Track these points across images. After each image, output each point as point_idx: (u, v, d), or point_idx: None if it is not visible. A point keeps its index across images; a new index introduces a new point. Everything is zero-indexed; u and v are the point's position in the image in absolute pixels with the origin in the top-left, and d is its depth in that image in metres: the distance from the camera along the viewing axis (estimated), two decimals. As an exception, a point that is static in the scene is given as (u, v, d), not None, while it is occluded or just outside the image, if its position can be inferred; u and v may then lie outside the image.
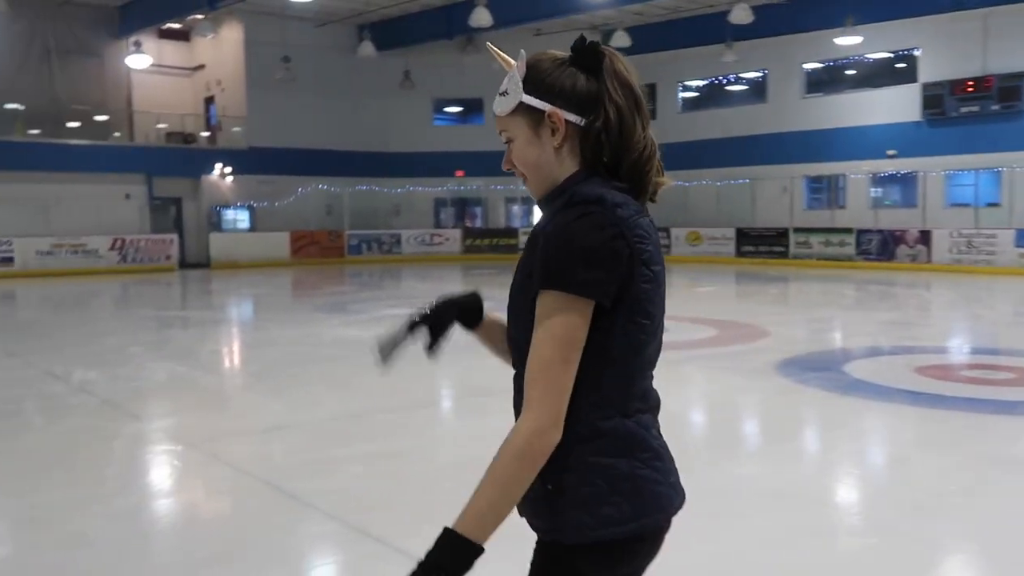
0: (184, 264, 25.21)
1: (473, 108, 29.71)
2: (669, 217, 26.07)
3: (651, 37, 25.55)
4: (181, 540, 4.22)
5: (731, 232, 24.71)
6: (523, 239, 24.54)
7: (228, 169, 26.59)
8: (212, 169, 26.54)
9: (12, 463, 5.38)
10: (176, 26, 27.38)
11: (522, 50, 1.59)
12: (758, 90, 26.44)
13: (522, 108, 1.54)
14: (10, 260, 22.08)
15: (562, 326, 1.42)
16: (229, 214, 27.14)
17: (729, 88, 27.37)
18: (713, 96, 27.88)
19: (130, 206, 25.12)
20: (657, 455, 1.55)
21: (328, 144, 27.39)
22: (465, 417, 6.80)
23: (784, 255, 23.39)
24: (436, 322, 1.76)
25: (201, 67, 28.56)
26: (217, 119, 28.19)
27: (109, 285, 19.99)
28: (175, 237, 25.11)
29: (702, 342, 9.88)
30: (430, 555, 1.42)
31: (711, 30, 24.20)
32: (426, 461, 5.39)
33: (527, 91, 1.53)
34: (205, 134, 28.42)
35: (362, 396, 7.35)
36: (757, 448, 6.06)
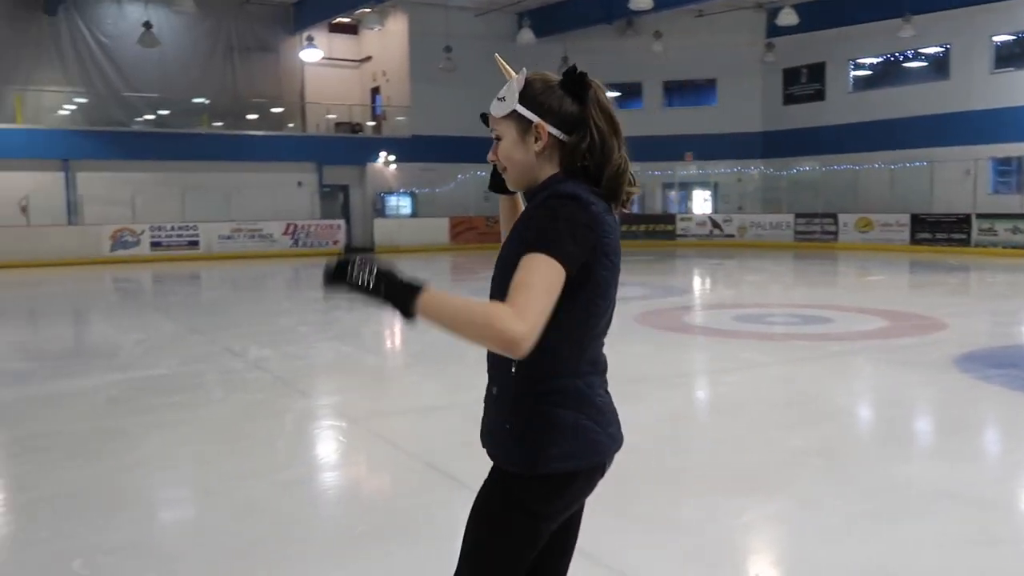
0: (349, 248, 25.87)
1: (632, 92, 29.34)
2: (837, 203, 24.88)
3: (820, 14, 24.41)
4: (344, 513, 4.41)
5: (905, 218, 23.23)
6: (681, 225, 24.30)
7: (392, 157, 27.53)
8: (377, 157, 27.55)
9: (195, 432, 5.78)
10: (345, 20, 28.53)
11: (523, 68, 1.92)
12: (939, 66, 24.68)
13: (514, 115, 1.88)
14: (196, 244, 23.76)
15: (548, 274, 1.66)
16: (392, 200, 28.10)
17: (906, 65, 25.70)
18: (888, 74, 26.30)
19: (302, 193, 26.47)
20: (599, 410, 1.89)
21: (487, 131, 27.71)
22: (619, 404, 6.75)
23: (965, 243, 21.80)
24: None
25: (368, 59, 29.66)
26: (382, 109, 29.21)
27: (281, 268, 21.15)
28: (342, 222, 26.25)
29: (871, 333, 9.37)
30: (392, 283, 1.68)
31: (886, 4, 22.85)
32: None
33: (521, 102, 1.85)
34: (371, 123, 29.53)
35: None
36: (930, 447, 5.68)
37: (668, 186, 29.67)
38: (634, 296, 13.89)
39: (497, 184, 2.07)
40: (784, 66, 27.53)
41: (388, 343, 10.57)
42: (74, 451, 5.26)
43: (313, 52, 26.19)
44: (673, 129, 27.95)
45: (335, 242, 25.51)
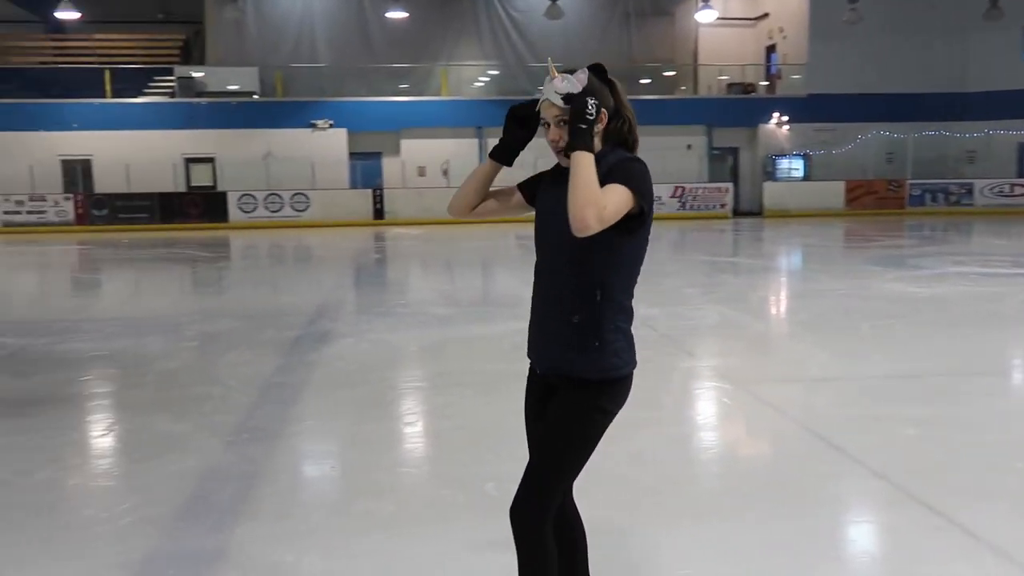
0: (737, 212, 25.96)
1: (1078, 35, 25.13)
2: None
3: None
4: (726, 472, 4.48)
5: None
6: None
7: (785, 118, 26.53)
8: (769, 118, 26.73)
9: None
10: (743, -24, 27.89)
11: (585, 67, 2.36)
12: None
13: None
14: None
15: (626, 198, 2.20)
16: (783, 163, 27.12)
17: None
18: None
19: (691, 156, 26.59)
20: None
21: (893, 87, 25.63)
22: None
23: None
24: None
25: (764, 16, 28.73)
26: (777, 67, 28.19)
27: (668, 230, 21.52)
28: (730, 186, 25.96)
29: None
30: (592, 128, 2.26)
31: None
32: (987, 434, 4.89)
33: (587, 95, 2.26)
34: (764, 83, 28.65)
35: (916, 357, 6.91)
36: None
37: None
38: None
39: (503, 154, 2.48)
40: None
41: (774, 309, 10.37)
42: (487, 389, 5.93)
43: (708, 13, 25.95)
44: None
45: (722, 205, 25.33)
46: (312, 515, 3.86)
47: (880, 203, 25.46)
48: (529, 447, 2.47)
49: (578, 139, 2.19)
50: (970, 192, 25.29)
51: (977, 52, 25.77)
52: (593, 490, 4.09)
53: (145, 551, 3.41)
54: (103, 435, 5.24)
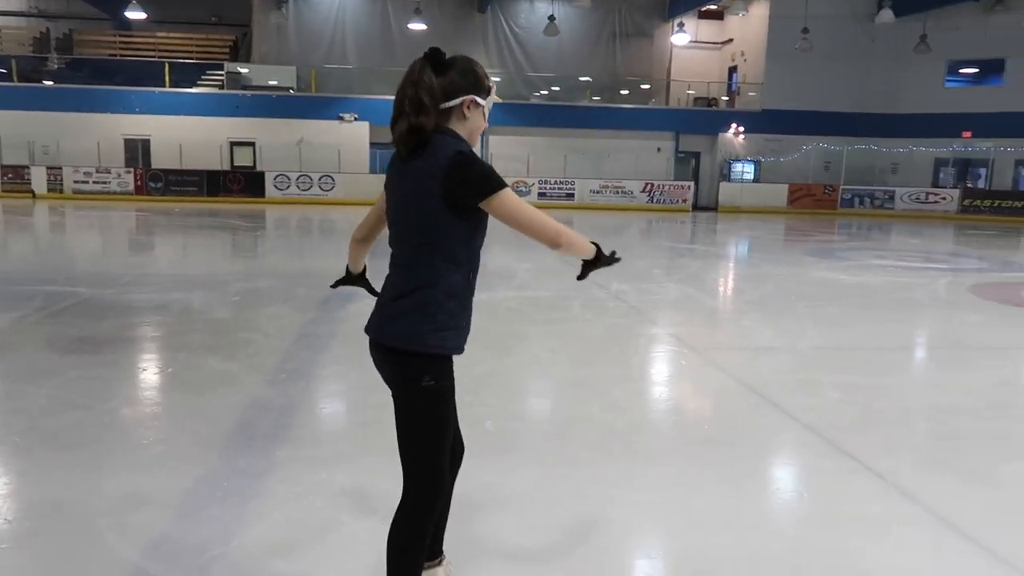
0: (696, 207, 26.02)
1: (992, 69, 25.14)
2: None
3: None
4: (682, 420, 4.58)
5: None
6: (1032, 202, 20.30)
7: (741, 128, 26.52)
8: (728, 128, 26.71)
9: (571, 342, 6.30)
10: (713, 7, 27.70)
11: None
12: None
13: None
14: (572, 195, 25.02)
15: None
16: (738, 167, 27.15)
17: None
18: None
19: (660, 158, 26.58)
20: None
21: (834, 106, 25.65)
22: (943, 366, 6.11)
23: None
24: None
25: (729, 41, 28.61)
26: (737, 85, 28.13)
27: (638, 220, 21.58)
28: (692, 184, 25.96)
29: None
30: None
31: None
32: (899, 398, 5.01)
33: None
34: (725, 98, 28.59)
35: (844, 333, 7.02)
36: None
37: (1021, 163, 25.19)
38: (969, 268, 12.23)
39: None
40: None
41: (725, 289, 10.45)
42: (490, 345, 5.99)
43: (682, 36, 25.87)
44: (1034, 105, 23.61)
45: (684, 200, 25.37)
46: (339, 442, 3.94)
47: (817, 204, 25.54)
48: None
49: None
50: (892, 198, 25.41)
51: (907, 80, 25.77)
52: (574, 430, 4.20)
53: (205, 467, 3.49)
54: (164, 371, 5.29)
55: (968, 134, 25.08)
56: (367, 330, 2.10)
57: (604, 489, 3.39)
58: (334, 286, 2.54)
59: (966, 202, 24.64)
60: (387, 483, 3.39)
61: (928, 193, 25.30)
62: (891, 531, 3.07)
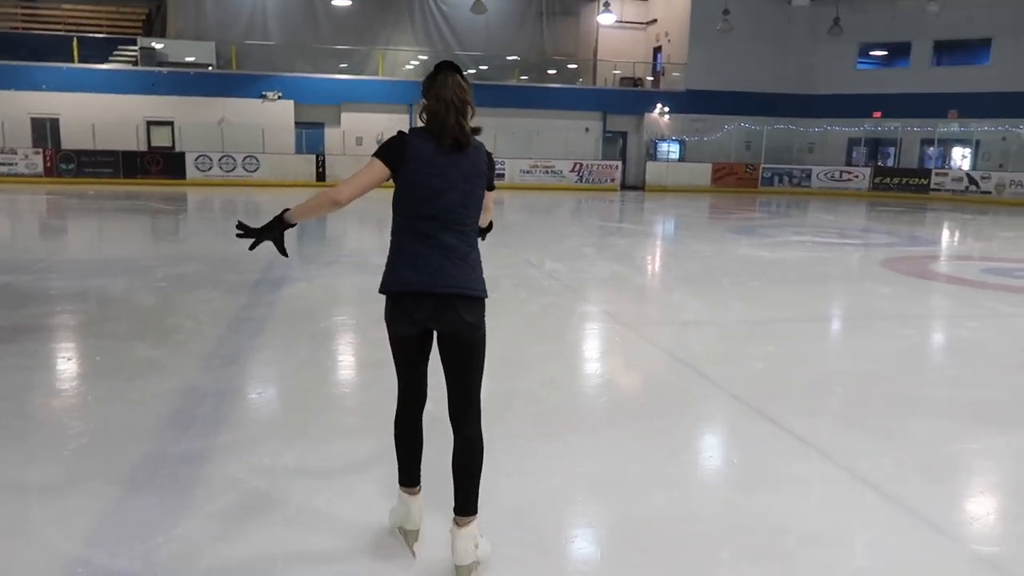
0: (624, 186, 26.42)
1: (899, 52, 26.30)
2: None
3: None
4: (616, 393, 4.72)
5: None
6: (935, 180, 21.75)
7: (667, 108, 26.99)
8: (653, 108, 27.15)
9: (509, 321, 6.35)
10: (637, -13, 28.00)
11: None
12: None
13: None
14: (501, 175, 25.04)
15: (366, 168, 2.57)
16: (663, 146, 27.67)
17: None
18: None
19: (588, 138, 26.84)
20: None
21: (754, 87, 26.41)
22: (857, 335, 6.46)
23: None
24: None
25: (653, 21, 28.99)
26: (662, 66, 28.58)
27: (568, 199, 21.78)
28: (620, 164, 26.34)
29: None
30: (266, 227, 2.57)
31: None
32: (816, 366, 5.29)
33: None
34: (650, 79, 29.02)
35: (764, 306, 7.31)
36: None
37: (927, 142, 26.51)
38: (880, 243, 12.86)
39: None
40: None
41: (653, 266, 10.71)
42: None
43: (608, 16, 26.04)
44: (938, 87, 24.83)
45: (612, 179, 25.72)
46: (280, 424, 3.92)
47: (739, 183, 26.31)
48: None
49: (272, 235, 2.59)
50: (809, 176, 26.37)
51: (822, 62, 26.70)
52: (513, 406, 4.28)
53: (140, 455, 3.42)
54: (91, 359, 5.12)
55: (878, 114, 26.22)
56: (420, 285, 2.42)
57: (544, 462, 3.48)
58: (255, 242, 2.62)
59: (876, 180, 25.81)
60: (331, 463, 3.42)
61: (842, 171, 26.37)
62: (813, 489, 3.27)
